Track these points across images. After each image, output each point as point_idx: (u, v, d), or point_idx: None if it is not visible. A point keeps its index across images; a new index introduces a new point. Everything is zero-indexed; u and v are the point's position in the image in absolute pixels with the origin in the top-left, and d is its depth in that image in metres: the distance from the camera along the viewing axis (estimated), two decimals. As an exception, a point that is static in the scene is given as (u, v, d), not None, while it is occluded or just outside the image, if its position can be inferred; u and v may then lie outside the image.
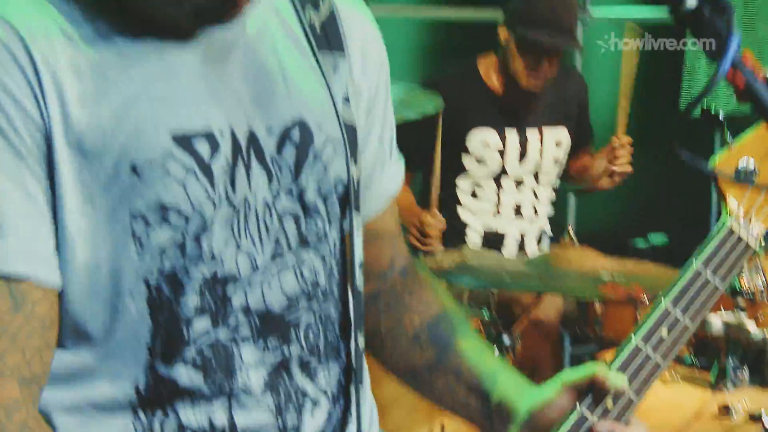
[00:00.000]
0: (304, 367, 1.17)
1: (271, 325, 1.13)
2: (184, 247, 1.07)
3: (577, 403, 1.15)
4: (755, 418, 2.67)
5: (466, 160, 3.46)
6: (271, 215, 1.13)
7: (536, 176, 3.54)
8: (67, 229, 1.03)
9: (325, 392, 1.20)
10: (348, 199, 1.21)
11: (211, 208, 1.08)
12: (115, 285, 1.05)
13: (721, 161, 1.25)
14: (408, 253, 1.45)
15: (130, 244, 1.05)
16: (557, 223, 3.80)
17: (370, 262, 1.33)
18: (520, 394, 1.25)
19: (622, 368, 1.17)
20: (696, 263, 1.20)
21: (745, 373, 2.90)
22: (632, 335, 1.18)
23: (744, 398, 2.81)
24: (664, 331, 1.18)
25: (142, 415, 1.09)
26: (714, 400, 2.80)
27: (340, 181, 1.20)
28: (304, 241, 1.16)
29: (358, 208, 1.23)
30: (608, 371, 1.16)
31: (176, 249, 1.07)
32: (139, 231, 1.05)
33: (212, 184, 1.08)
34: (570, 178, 3.80)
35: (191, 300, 1.08)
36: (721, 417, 2.74)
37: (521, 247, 3.55)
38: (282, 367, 1.14)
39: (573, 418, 1.15)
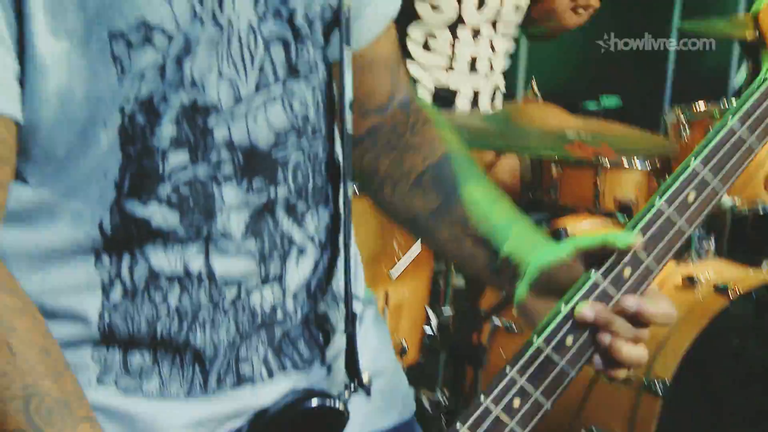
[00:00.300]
0: (291, 210, 1.11)
1: (256, 164, 1.07)
2: (164, 71, 0.99)
3: (592, 270, 1.08)
4: (720, 290, 2.70)
5: (419, 6, 3.32)
6: (255, 40, 1.05)
7: (494, 25, 3.42)
8: (36, 52, 0.94)
9: (313, 239, 1.15)
10: (336, 26, 1.13)
11: (197, 27, 1.00)
12: (89, 113, 0.98)
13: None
14: (409, 86, 1.37)
15: (109, 68, 0.97)
16: (507, 81, 3.72)
17: (366, 93, 1.27)
18: (533, 249, 1.17)
19: (642, 233, 1.10)
20: (732, 120, 1.13)
21: (711, 244, 2.92)
22: (656, 197, 1.11)
23: (709, 270, 2.84)
24: (691, 195, 1.11)
25: (106, 259, 1.03)
26: (677, 271, 2.82)
27: (327, 6, 1.12)
28: (293, 70, 1.09)
29: (348, 42, 1.15)
30: (622, 236, 1.09)
31: (156, 72, 0.99)
32: (119, 53, 0.97)
33: (200, 0, 1.00)
34: (534, 22, 3.69)
35: (167, 130, 1.01)
36: (684, 288, 2.77)
37: (474, 104, 3.47)
38: (266, 210, 1.09)
39: (586, 286, 1.08)
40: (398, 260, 2.86)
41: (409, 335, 2.97)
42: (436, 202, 1.26)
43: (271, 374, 1.13)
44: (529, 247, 1.18)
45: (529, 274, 1.15)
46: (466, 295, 3.51)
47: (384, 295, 2.84)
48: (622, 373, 1.10)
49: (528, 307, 1.16)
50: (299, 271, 1.13)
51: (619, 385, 2.69)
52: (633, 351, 1.08)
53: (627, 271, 1.09)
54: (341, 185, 1.19)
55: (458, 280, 3.41)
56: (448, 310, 2.87)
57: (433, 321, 2.91)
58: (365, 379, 1.16)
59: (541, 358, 1.07)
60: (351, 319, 1.18)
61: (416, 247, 2.85)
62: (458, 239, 1.24)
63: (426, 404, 2.84)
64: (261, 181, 1.07)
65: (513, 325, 2.98)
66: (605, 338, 1.07)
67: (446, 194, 1.26)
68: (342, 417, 1.12)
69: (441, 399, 2.88)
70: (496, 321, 2.99)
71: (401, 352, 2.94)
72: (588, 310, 1.06)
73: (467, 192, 1.26)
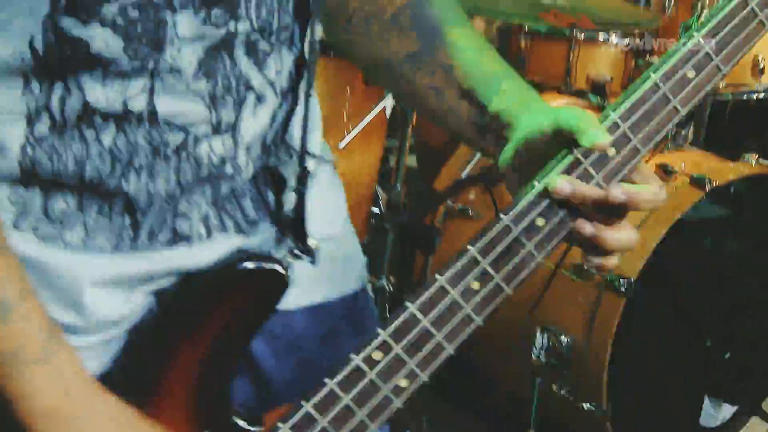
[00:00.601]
0: (251, 50, 1.05)
1: None
2: None
3: (574, 148, 1.04)
4: (696, 181, 2.66)
5: None
6: None
7: None
8: None
9: (273, 85, 1.09)
10: None
11: None
12: None
13: None
14: None
15: None
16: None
17: None
18: (525, 108, 1.12)
19: (632, 110, 1.05)
20: None
21: (689, 132, 2.87)
22: (650, 72, 1.05)
23: (685, 160, 2.79)
24: (690, 72, 1.06)
25: (36, 85, 0.97)
26: (651, 160, 2.77)
27: None
28: None
29: None
30: (592, 132, 1.03)
31: None
32: None
33: None
34: None
35: None
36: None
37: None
38: (223, 47, 1.03)
39: (565, 163, 1.04)
40: (347, 131, 2.78)
41: (355, 214, 2.92)
42: (415, 45, 1.20)
43: (210, 234, 1.08)
44: (522, 106, 1.12)
45: (515, 138, 1.10)
46: (420, 175, 3.45)
47: (329, 168, 2.77)
48: (612, 261, 1.06)
49: (512, 175, 1.12)
50: (255, 122, 1.08)
51: (579, 283, 2.66)
52: (619, 235, 1.04)
53: (612, 150, 1.04)
54: (309, 24, 1.12)
55: (411, 160, 3.35)
56: (398, 189, 2.80)
57: (382, 199, 2.85)
58: (312, 244, 1.13)
59: (508, 238, 1.03)
60: (303, 175, 1.14)
61: (367, 118, 2.77)
62: (439, 90, 1.18)
63: (368, 288, 2.80)
64: (220, 12, 1.01)
65: (469, 209, 2.94)
66: (586, 227, 1.03)
67: (427, 37, 1.20)
68: (282, 282, 1.07)
69: (386, 285, 2.84)
70: (451, 203, 2.94)
71: (344, 232, 2.88)
72: (566, 183, 1.02)
73: (452, 36, 1.19)
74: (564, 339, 2.70)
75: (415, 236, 2.69)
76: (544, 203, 1.03)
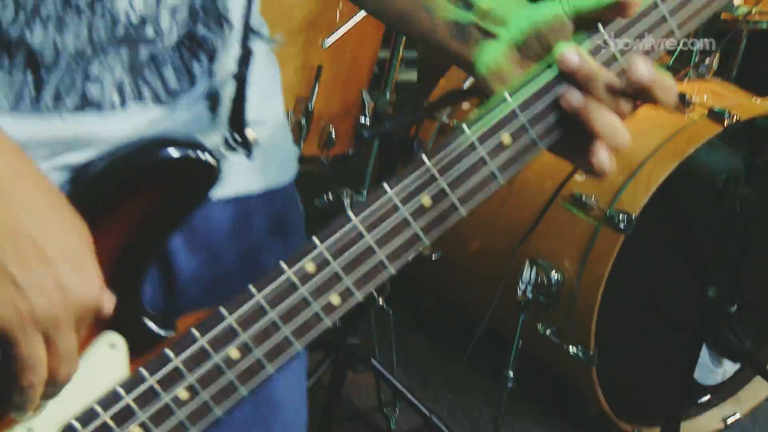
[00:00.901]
0: None
1: None
2: None
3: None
4: (715, 115, 2.56)
5: None
6: None
7: None
8: None
9: None
10: None
11: None
12: None
13: None
14: None
15: None
16: None
17: None
18: (520, 6, 1.06)
19: (625, 29, 0.98)
20: None
21: (715, 61, 2.77)
22: None
23: (706, 91, 2.70)
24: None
25: None
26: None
27: None
28: None
29: None
30: None
31: None
32: None
33: None
34: None
35: None
36: (674, 108, 2.64)
37: None
38: None
39: (543, 79, 0.98)
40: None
41: (342, 122, 2.85)
42: None
43: (124, 102, 1.04)
44: (518, 4, 1.06)
45: (509, 35, 1.04)
46: (420, 90, 3.37)
47: (316, 69, 2.70)
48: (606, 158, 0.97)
49: (497, 81, 1.04)
50: None
51: (576, 215, 2.59)
52: (609, 117, 0.96)
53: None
54: None
55: (405, 74, 3.25)
56: (387, 97, 2.71)
57: (369, 107, 2.77)
58: (250, 135, 1.09)
59: (469, 155, 0.97)
60: (244, 57, 1.10)
61: (356, 17, 2.68)
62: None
63: (346, 203, 2.73)
64: None
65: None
66: (574, 96, 0.96)
67: None
68: (212, 175, 1.03)
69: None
70: (446, 119, 2.85)
71: (327, 143, 2.81)
72: (573, 54, 0.95)
73: None
74: (554, 275, 2.63)
75: (398, 147, 2.61)
76: (514, 119, 0.97)
